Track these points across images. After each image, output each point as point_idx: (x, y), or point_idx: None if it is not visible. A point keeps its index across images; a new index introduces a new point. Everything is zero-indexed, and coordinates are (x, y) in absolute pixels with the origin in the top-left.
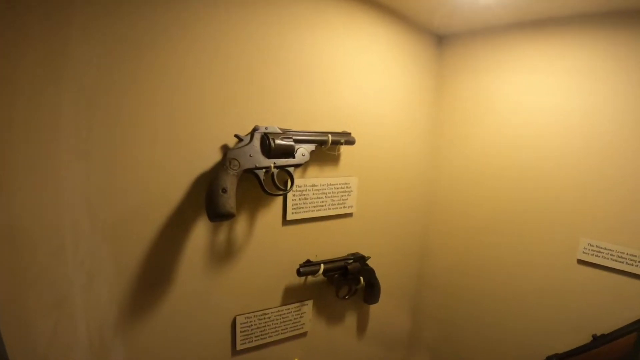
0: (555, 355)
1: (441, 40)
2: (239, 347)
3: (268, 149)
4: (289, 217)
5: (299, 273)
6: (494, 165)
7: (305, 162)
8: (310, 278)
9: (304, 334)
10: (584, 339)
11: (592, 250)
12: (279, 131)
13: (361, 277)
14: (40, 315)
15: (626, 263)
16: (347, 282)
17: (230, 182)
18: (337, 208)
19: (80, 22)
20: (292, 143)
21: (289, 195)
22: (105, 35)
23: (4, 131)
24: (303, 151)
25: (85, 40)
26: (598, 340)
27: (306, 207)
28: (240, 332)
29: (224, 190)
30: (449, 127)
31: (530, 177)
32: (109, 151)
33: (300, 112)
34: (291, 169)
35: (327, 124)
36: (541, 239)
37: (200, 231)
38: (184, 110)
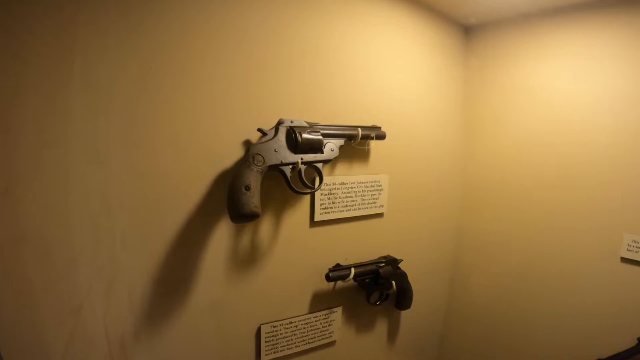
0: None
1: (468, 30)
2: (263, 357)
3: (294, 144)
4: (317, 218)
5: (328, 278)
6: (529, 158)
7: (334, 158)
8: (339, 283)
9: (332, 343)
10: (628, 342)
11: (636, 247)
12: (306, 125)
13: (393, 282)
14: (55, 323)
15: None
16: (378, 286)
17: (254, 179)
18: (367, 208)
19: (88, 14)
20: (321, 137)
21: (317, 195)
22: (116, 29)
23: (14, 134)
24: (332, 146)
25: (95, 34)
26: None
27: (335, 207)
28: (265, 342)
29: (247, 188)
30: (480, 119)
31: (568, 169)
32: (127, 154)
33: (327, 106)
34: (319, 165)
35: (356, 117)
36: (581, 235)
37: (223, 234)
38: (204, 105)
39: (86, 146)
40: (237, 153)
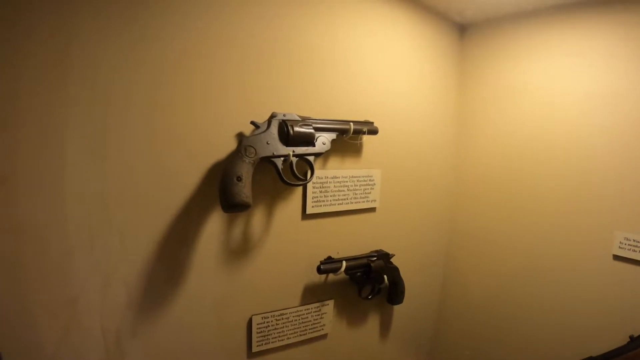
0: (590, 358)
1: (463, 29)
2: (254, 349)
3: (286, 137)
4: (309, 210)
5: (319, 270)
6: (522, 154)
7: (326, 152)
8: (331, 276)
9: (324, 336)
10: (620, 340)
11: (628, 244)
12: (298, 118)
13: (385, 276)
14: (49, 314)
15: None
16: (370, 281)
17: (245, 170)
18: (359, 202)
19: (88, 10)
20: (312, 130)
21: (309, 188)
22: (115, 24)
23: (12, 126)
24: (323, 139)
25: (95, 29)
26: (636, 342)
27: (327, 201)
28: (257, 333)
29: (239, 179)
30: (474, 116)
31: (560, 166)
32: (125, 147)
33: (321, 100)
34: (311, 158)
35: (349, 112)
36: (573, 233)
37: (215, 225)
38: (201, 99)
39: (84, 139)
40: (231, 145)
